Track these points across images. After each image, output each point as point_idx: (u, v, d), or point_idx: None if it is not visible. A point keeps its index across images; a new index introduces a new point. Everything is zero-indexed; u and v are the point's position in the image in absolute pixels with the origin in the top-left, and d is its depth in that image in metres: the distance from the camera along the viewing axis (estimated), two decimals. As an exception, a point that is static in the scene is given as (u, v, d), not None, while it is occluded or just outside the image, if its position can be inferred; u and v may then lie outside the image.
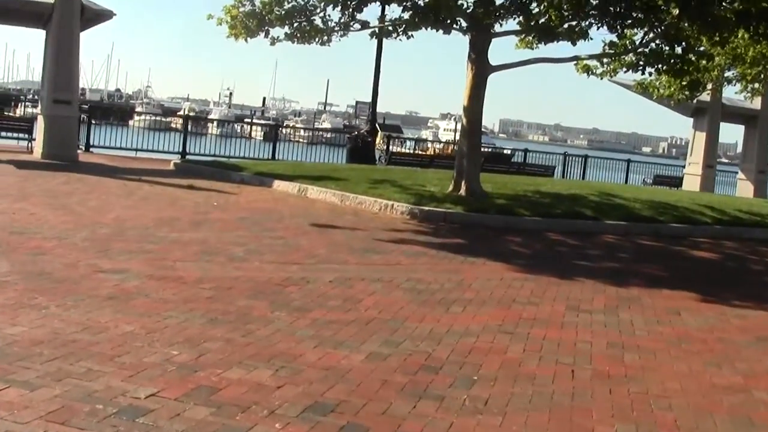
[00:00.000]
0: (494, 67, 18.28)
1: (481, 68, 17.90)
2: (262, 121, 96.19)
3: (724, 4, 17.67)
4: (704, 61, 20.85)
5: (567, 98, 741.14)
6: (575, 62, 22.05)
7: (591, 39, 19.87)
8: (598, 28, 18.84)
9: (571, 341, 7.85)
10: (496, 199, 17.34)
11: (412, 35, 19.68)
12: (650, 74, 19.47)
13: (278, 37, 18.49)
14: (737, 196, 34.60)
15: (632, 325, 8.85)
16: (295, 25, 18.18)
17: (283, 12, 17.67)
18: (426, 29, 18.55)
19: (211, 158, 27.16)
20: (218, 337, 6.85)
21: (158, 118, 58.09)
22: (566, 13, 17.34)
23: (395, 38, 19.73)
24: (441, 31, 17.54)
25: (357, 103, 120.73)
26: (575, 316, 9.00)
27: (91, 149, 27.39)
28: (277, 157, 29.78)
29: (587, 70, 21.78)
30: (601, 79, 21.81)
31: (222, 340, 6.78)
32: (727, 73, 26.55)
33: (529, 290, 10.20)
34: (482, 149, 50.04)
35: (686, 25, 18.48)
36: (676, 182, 35.83)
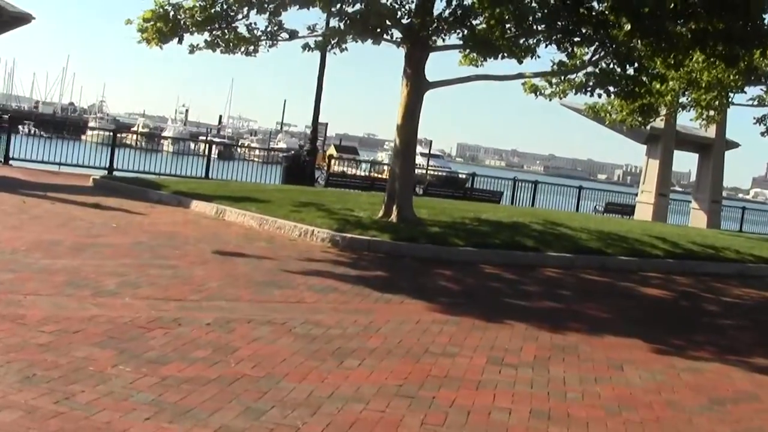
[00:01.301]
0: (432, 83, 16.86)
1: (417, 84, 16.46)
2: (216, 139, 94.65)
3: (679, 23, 16.39)
4: (658, 84, 19.59)
5: (524, 124, 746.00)
6: (522, 81, 20.86)
7: (539, 57, 18.60)
8: (546, 45, 17.53)
9: (485, 409, 6.34)
10: (429, 227, 15.85)
11: (346, 48, 18.29)
12: (599, 96, 18.10)
13: (198, 45, 16.96)
14: (690, 226, 33.56)
15: (565, 384, 7.37)
16: (216, 32, 16.65)
17: (202, 17, 16.09)
18: (358, 41, 17.20)
19: (139, 175, 25.41)
20: (20, 405, 5.25)
21: (110, 133, 56.42)
22: (509, 26, 15.95)
23: (330, 51, 18.37)
24: (372, 41, 16.07)
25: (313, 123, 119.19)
26: (497, 372, 7.50)
27: (10, 162, 25.66)
28: (211, 176, 28.11)
29: (535, 90, 20.56)
30: (550, 100, 20.60)
31: (22, 410, 5.18)
32: (682, 99, 25.37)
33: (448, 336, 8.70)
34: (437, 173, 49.44)
35: (639, 44, 17.25)
36: (628, 210, 34.69)
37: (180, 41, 16.27)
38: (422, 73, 16.53)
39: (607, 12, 15.68)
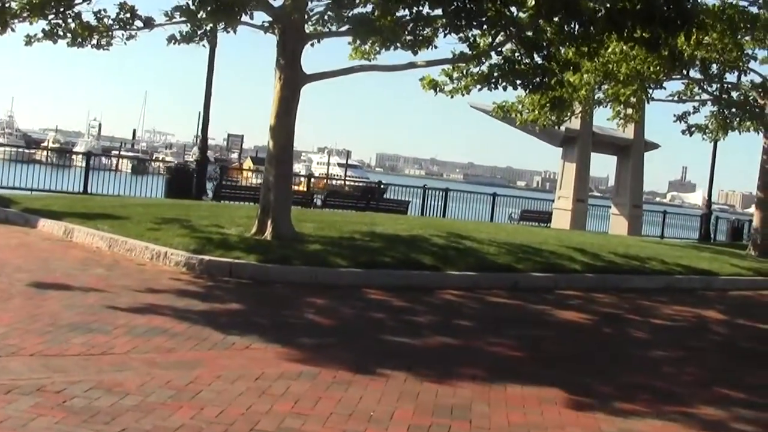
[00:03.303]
0: (309, 76, 14.47)
1: (292, 77, 14.06)
2: (130, 154, 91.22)
3: (591, 3, 14.30)
4: (570, 75, 17.54)
5: (444, 132, 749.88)
6: (420, 77, 18.64)
7: (435, 47, 16.42)
8: (445, 34, 15.31)
9: None
10: (309, 244, 13.41)
11: (215, 40, 15.90)
12: (505, 88, 15.84)
13: (35, 35, 14.38)
14: (611, 233, 31.71)
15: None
16: (55, 20, 14.10)
17: (36, 1, 13.50)
18: (223, 28, 14.80)
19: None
20: None
21: (20, 150, 53.21)
22: (393, 5, 13.69)
23: (198, 44, 15.83)
24: (225, 26, 13.71)
25: (229, 135, 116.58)
26: (345, 463, 5.14)
27: None
28: (91, 190, 25.21)
29: (434, 86, 18.34)
30: (451, 97, 18.32)
31: None
32: (598, 94, 23.38)
33: (293, 400, 6.31)
34: (356, 182, 47.26)
35: (548, 29, 15.16)
36: (545, 218, 32.68)
37: (3, 29, 13.64)
38: (298, 64, 14.15)
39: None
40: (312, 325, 9.43)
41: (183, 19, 13.97)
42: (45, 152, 40.91)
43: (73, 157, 40.18)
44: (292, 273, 11.78)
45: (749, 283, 18.12)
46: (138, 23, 14.71)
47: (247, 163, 68.70)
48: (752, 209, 27.62)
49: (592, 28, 14.70)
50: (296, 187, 33.61)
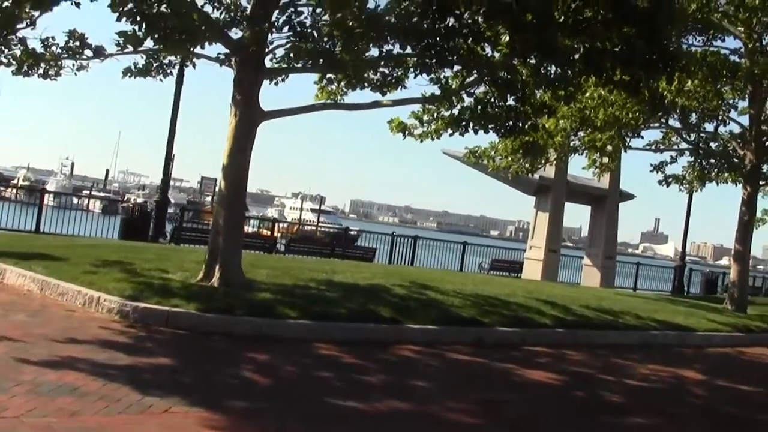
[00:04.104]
0: (267, 113, 13.54)
1: (248, 114, 13.13)
2: (101, 194, 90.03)
3: (569, 40, 13.49)
4: (545, 120, 16.76)
5: (419, 180, 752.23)
6: (389, 120, 17.89)
7: (405, 88, 15.64)
8: (415, 75, 14.50)
9: None
10: (259, 293, 12.38)
11: (171, 72, 15.04)
12: (476, 132, 14.97)
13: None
14: (582, 284, 30.87)
15: None
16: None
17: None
18: (180, 61, 13.97)
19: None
20: None
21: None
22: (358, 40, 12.86)
23: (155, 77, 14.94)
24: (175, 55, 12.80)
25: (203, 178, 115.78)
26: None
27: None
28: (44, 229, 24.07)
29: (403, 129, 17.61)
30: (421, 141, 17.59)
31: None
32: (574, 140, 22.61)
33: (204, 483, 5.31)
34: (329, 229, 46.43)
35: (523, 71, 14.39)
36: (516, 268, 31.72)
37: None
38: (255, 100, 13.22)
39: (481, 20, 12.65)
40: (247, 385, 8.39)
41: (133, 49, 13.04)
42: (12, 190, 40.18)
43: (46, 196, 39.13)
44: (235, 324, 10.76)
45: (727, 340, 17.31)
46: (88, 52, 13.83)
47: (219, 206, 67.82)
48: (724, 261, 27.03)
49: (569, 70, 13.94)
50: (265, 231, 32.73)
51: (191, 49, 12.67)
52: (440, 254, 32.19)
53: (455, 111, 15.81)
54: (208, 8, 12.83)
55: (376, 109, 14.85)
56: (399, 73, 15.34)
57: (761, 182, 23.81)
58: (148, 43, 12.35)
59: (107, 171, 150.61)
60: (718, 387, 12.26)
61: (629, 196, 34.89)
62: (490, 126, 15.01)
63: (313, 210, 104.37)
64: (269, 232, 30.86)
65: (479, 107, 14.87)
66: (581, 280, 32.92)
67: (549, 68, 14.30)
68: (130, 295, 11.19)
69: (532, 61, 14.03)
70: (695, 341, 16.40)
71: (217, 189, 13.88)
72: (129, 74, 14.60)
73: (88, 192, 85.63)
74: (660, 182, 25.08)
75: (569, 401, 9.82)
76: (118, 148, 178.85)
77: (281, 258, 21.82)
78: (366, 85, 15.31)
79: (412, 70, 14.80)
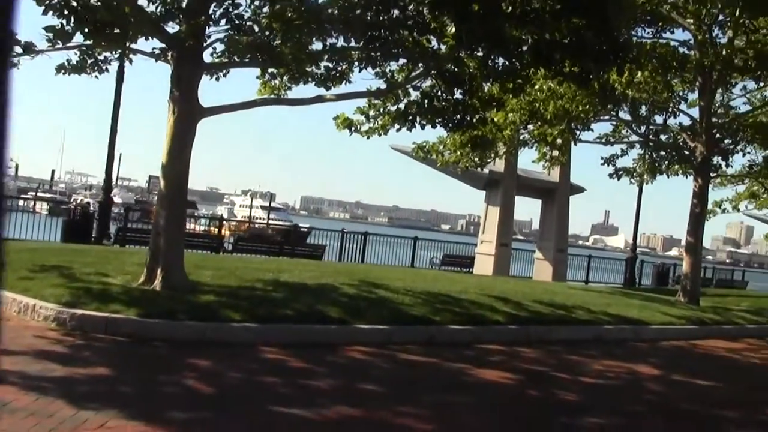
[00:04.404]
0: (207, 109, 13.12)
1: (188, 110, 12.69)
2: (47, 195, 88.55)
3: (517, 31, 13.22)
4: (493, 113, 16.50)
5: (369, 176, 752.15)
6: (334, 116, 17.53)
7: (350, 83, 15.28)
8: (360, 69, 14.22)
9: None
10: (203, 295, 11.96)
11: (107, 69, 14.49)
12: (423, 127, 14.72)
13: None
14: (534, 278, 30.77)
15: None
16: None
17: None
18: (117, 57, 13.48)
19: None
20: None
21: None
22: (297, 32, 12.47)
23: (91, 76, 14.40)
24: (108, 50, 12.30)
25: (150, 177, 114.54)
26: None
27: None
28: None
29: (349, 125, 17.23)
30: (368, 137, 17.23)
31: None
32: (524, 134, 22.43)
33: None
34: (280, 226, 45.90)
35: (470, 64, 14.11)
36: (467, 263, 31.50)
37: None
38: (194, 96, 12.79)
39: (426, 11, 12.34)
40: (189, 393, 7.98)
41: (64, 45, 12.53)
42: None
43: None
44: (177, 329, 10.35)
45: (681, 333, 17.22)
46: (17, 49, 13.25)
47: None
48: (673, 252, 26.99)
49: (517, 62, 13.69)
50: (213, 229, 32.21)
51: (125, 44, 12.19)
52: (391, 250, 31.86)
53: (401, 105, 15.54)
54: (142, 1, 12.38)
55: (323, 104, 14.52)
56: (343, 67, 14.98)
57: (712, 174, 23.79)
58: (79, 38, 11.89)
59: (53, 171, 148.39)
60: (675, 382, 12.07)
61: (580, 189, 34.89)
62: (437, 120, 14.78)
63: (263, 207, 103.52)
64: (217, 231, 30.37)
65: (426, 101, 14.64)
66: (533, 273, 32.83)
67: (497, 60, 14.07)
68: (68, 302, 10.74)
69: (480, 53, 13.82)
70: (649, 335, 16.29)
71: (157, 189, 13.44)
72: (63, 71, 14.06)
73: (33, 194, 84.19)
74: (611, 175, 25.06)
75: (525, 401, 9.53)
76: (63, 147, 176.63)
77: (227, 258, 21.35)
78: (310, 79, 14.94)
79: (356, 63, 14.51)
